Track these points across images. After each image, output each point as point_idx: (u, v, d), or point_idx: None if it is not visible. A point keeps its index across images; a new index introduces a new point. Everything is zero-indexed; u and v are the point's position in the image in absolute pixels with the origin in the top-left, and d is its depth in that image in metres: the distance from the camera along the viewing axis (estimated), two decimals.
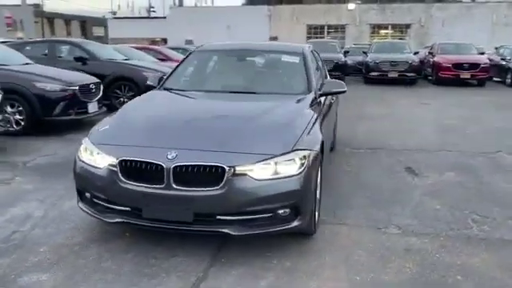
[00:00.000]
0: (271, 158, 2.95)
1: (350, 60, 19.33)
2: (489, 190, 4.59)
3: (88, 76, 7.88)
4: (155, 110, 3.66)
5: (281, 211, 2.99)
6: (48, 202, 4.07)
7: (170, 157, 2.89)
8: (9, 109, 6.85)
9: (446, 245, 3.35)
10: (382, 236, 3.49)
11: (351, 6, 31.25)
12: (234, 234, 2.91)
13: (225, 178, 2.84)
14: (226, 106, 3.85)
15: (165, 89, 4.31)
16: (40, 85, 6.89)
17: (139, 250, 3.18)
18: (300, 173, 2.99)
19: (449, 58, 15.65)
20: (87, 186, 3.21)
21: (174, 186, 2.87)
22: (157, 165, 2.88)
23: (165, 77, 4.53)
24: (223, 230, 2.91)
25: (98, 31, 56.20)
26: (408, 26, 31.40)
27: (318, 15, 31.27)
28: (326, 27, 31.99)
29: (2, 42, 10.78)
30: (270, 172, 2.94)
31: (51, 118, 6.96)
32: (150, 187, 2.91)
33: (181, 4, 38.59)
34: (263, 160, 2.93)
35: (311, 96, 4.03)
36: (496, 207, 4.09)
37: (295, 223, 3.04)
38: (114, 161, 3.00)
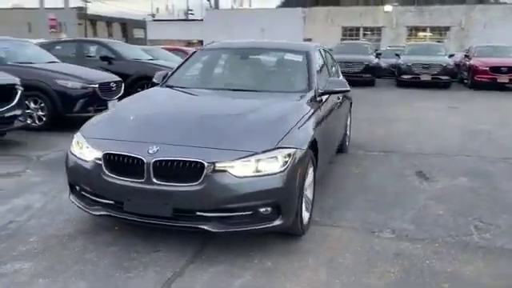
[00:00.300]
0: (252, 155, 2.90)
1: (383, 62, 19.01)
2: (501, 197, 4.36)
3: (109, 74, 8.08)
4: (147, 106, 3.70)
5: (262, 209, 2.94)
6: (50, 194, 4.18)
7: (151, 151, 2.90)
8: (32, 105, 7.12)
9: (439, 251, 3.19)
10: (374, 240, 3.37)
11: (388, 7, 30.65)
12: (213, 230, 2.88)
13: (204, 173, 2.82)
14: (219, 103, 3.84)
15: (166, 86, 4.34)
16: (61, 82, 7.11)
17: (124, 243, 3.20)
18: (282, 171, 2.93)
19: (486, 61, 15.04)
20: (76, 179, 3.27)
21: (154, 180, 2.87)
22: (138, 159, 2.90)
23: (169, 73, 4.56)
24: (202, 227, 2.88)
25: (138, 33, 57.72)
26: (447, 29, 30.49)
27: (353, 17, 30.86)
28: (361, 29, 31.53)
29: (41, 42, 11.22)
30: (251, 169, 2.89)
31: (72, 114, 7.16)
32: (131, 181, 2.92)
33: (217, 7, 39.01)
34: (244, 157, 2.88)
35: (310, 94, 3.95)
36: (504, 214, 3.88)
37: (277, 222, 2.98)
38: (99, 154, 3.04)
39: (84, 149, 3.19)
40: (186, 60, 4.77)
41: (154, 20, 45.64)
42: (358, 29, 31.53)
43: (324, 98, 4.18)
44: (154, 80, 4.65)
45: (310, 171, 3.48)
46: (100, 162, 3.03)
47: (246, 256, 3.05)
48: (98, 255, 3.03)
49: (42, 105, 7.13)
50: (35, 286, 2.65)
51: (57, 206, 3.87)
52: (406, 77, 15.51)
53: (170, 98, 4.02)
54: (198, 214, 2.90)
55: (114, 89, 7.78)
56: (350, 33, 31.42)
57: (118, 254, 3.04)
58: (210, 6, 39.29)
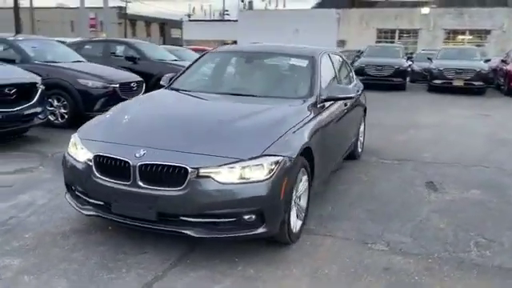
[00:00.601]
0: (237, 161, 2.89)
1: (416, 66, 18.56)
2: (511, 212, 4.16)
3: (131, 74, 8.25)
4: (144, 109, 3.75)
5: (246, 216, 2.92)
6: (54, 191, 4.29)
7: (137, 155, 2.93)
8: (55, 102, 7.36)
9: (431, 267, 3.08)
10: (365, 252, 3.28)
11: (425, 9, 29.86)
12: (196, 236, 2.89)
13: (187, 178, 2.83)
14: (214, 108, 3.84)
15: (172, 88, 4.39)
16: (83, 81, 7.31)
17: (114, 243, 3.26)
18: (268, 179, 2.91)
19: None
20: (71, 178, 3.35)
21: (140, 183, 2.91)
22: (125, 162, 2.94)
23: (175, 76, 4.60)
24: (185, 232, 2.90)
25: (175, 33, 58.70)
26: (488, 32, 29.40)
27: (389, 19, 30.25)
28: (397, 32, 30.87)
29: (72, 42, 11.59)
30: (235, 176, 2.88)
31: (92, 113, 7.32)
32: (118, 183, 2.97)
33: (250, 7, 39.16)
34: (229, 163, 2.88)
35: (311, 101, 3.90)
36: (510, 231, 3.70)
37: (261, 230, 2.96)
38: (90, 156, 3.11)
39: (78, 150, 3.26)
40: (193, 63, 4.82)
41: (190, 20, 46.23)
42: (393, 31, 30.88)
43: (327, 104, 4.11)
44: (161, 82, 4.71)
45: (304, 179, 3.44)
46: (91, 164, 3.10)
47: (231, 262, 3.05)
48: (85, 254, 3.09)
49: (65, 103, 7.35)
50: (19, 283, 2.73)
51: (58, 204, 3.97)
52: (437, 82, 15.07)
53: (168, 102, 4.06)
54: (182, 218, 2.91)
55: (134, 88, 7.93)
56: (385, 35, 30.81)
57: (106, 254, 3.10)
58: (244, 7, 39.50)
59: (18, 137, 6.46)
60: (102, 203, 3.12)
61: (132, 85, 7.90)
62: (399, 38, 30.75)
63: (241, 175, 2.89)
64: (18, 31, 19.05)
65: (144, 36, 55.69)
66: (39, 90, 6.16)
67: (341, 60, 5.42)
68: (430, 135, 7.80)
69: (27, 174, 4.89)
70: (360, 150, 5.98)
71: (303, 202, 3.52)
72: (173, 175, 2.86)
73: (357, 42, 27.04)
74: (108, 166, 3.02)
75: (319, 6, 37.12)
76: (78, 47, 10.38)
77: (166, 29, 61.19)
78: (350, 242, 3.43)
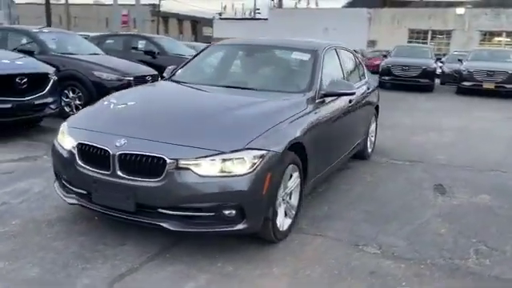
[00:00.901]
0: (218, 154, 2.79)
1: (447, 68, 18.01)
2: None
3: (146, 68, 8.28)
4: (134, 99, 3.69)
5: (226, 211, 2.82)
6: (52, 179, 4.29)
7: (118, 144, 2.88)
8: (70, 94, 7.45)
9: (422, 273, 2.90)
10: (354, 254, 3.13)
11: (460, 10, 28.95)
12: (173, 229, 2.81)
13: (165, 170, 2.75)
14: (204, 100, 3.74)
15: (172, 80, 4.33)
16: (97, 73, 7.38)
17: (97, 234, 3.21)
18: (249, 173, 2.79)
19: None
20: (58, 167, 3.33)
21: (119, 173, 2.85)
22: (105, 150, 2.89)
23: (177, 68, 4.55)
24: (162, 224, 2.82)
25: (207, 31, 59.06)
26: None
27: (421, 19, 29.50)
28: (429, 32, 30.07)
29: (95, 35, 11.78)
30: (216, 169, 2.78)
31: None
32: (98, 172, 2.92)
33: (280, 6, 38.98)
34: (209, 156, 2.78)
35: (309, 95, 3.76)
36: None
37: (240, 226, 2.85)
38: (74, 143, 3.08)
39: (65, 137, 3.24)
40: (196, 55, 4.75)
41: (221, 18, 46.42)
42: (425, 32, 30.10)
43: (328, 100, 3.96)
44: (164, 74, 4.67)
45: (295, 176, 3.31)
46: (74, 152, 3.06)
47: (211, 258, 2.95)
48: (66, 243, 3.06)
49: (80, 94, 7.43)
50: None
51: (51, 193, 3.92)
52: (466, 84, 14.53)
53: (161, 93, 4.01)
54: (160, 211, 2.84)
55: (149, 82, 7.94)
56: (418, 35, 30.07)
57: (86, 245, 3.06)
58: (274, 6, 39.34)
59: (31, 126, 6.56)
60: (84, 192, 3.08)
61: (147, 78, 7.92)
62: (432, 39, 29.94)
63: (221, 168, 2.79)
64: (48, 25, 19.53)
65: (176, 33, 56.36)
66: (51, 81, 6.23)
67: (350, 56, 5.24)
68: (450, 137, 7.49)
69: (30, 162, 4.94)
70: (370, 149, 5.77)
71: (294, 200, 3.39)
72: (151, 166, 2.79)
73: (388, 43, 26.52)
74: (90, 154, 2.98)
75: (350, 5, 36.56)
76: (99, 41, 10.53)
77: (197, 27, 61.70)
78: (340, 243, 3.28)
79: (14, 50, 7.27)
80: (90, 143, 2.97)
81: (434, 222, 3.75)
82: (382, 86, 15.87)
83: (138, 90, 4.08)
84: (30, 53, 7.28)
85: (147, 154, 2.80)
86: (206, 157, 2.78)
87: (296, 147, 3.23)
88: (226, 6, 50.13)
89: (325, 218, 3.70)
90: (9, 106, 5.54)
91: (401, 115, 9.82)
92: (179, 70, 4.47)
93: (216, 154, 2.79)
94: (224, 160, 2.79)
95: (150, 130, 3.00)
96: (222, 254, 3.00)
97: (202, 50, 4.77)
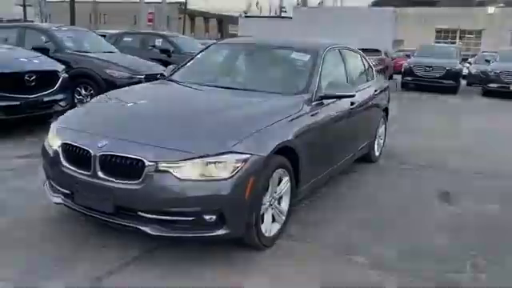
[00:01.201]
0: (199, 157, 2.72)
1: (474, 69, 17.47)
2: None
3: (159, 66, 8.27)
4: (124, 99, 3.66)
5: (206, 216, 2.74)
6: None
7: (99, 144, 2.84)
8: (83, 91, 7.54)
9: (410, 286, 2.76)
10: (341, 263, 3.01)
11: (491, 9, 28.05)
12: (152, 233, 2.75)
13: (144, 172, 2.70)
14: (193, 101, 3.68)
15: (170, 79, 4.29)
16: (109, 71, 7.43)
17: (79, 234, 3.19)
18: (230, 177, 2.71)
19: None
20: (46, 166, 3.32)
21: (100, 174, 2.81)
22: (87, 151, 2.86)
23: (177, 67, 4.51)
24: (142, 228, 2.76)
25: (233, 29, 59.18)
26: None
27: (449, 19, 28.71)
28: (458, 32, 29.27)
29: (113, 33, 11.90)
30: (196, 172, 2.71)
31: None
32: (81, 173, 2.90)
33: (304, 4, 38.61)
34: (190, 159, 2.71)
35: (305, 97, 3.65)
36: None
37: (221, 231, 2.77)
38: (59, 143, 3.07)
39: (53, 137, 3.23)
40: (197, 54, 4.70)
41: (246, 16, 46.40)
42: (454, 31, 29.32)
43: (327, 102, 3.83)
44: (164, 72, 4.63)
45: (285, 180, 3.21)
46: (59, 151, 3.05)
47: (191, 263, 2.88)
48: (48, 244, 3.04)
49: (92, 92, 7.50)
50: None
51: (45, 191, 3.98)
52: (492, 85, 14.08)
53: (153, 93, 3.96)
54: (140, 214, 2.78)
55: None
56: (445, 35, 29.32)
57: (67, 245, 3.03)
58: (298, 4, 39.02)
59: (41, 124, 6.64)
60: (68, 192, 3.06)
61: (158, 76, 7.89)
62: (460, 39, 29.13)
63: (202, 172, 2.71)
64: (72, 23, 19.90)
65: (202, 32, 56.67)
66: (61, 78, 6.29)
67: (356, 57, 5.09)
68: (467, 142, 7.20)
69: (33, 160, 4.96)
70: (378, 153, 5.60)
71: (284, 205, 3.29)
72: (131, 168, 2.74)
73: (414, 42, 25.94)
74: (73, 154, 2.96)
75: (376, 4, 35.92)
76: (116, 39, 10.63)
77: (223, 25, 61.90)
78: (328, 252, 3.16)
79: (31, 48, 7.38)
80: (73, 143, 2.95)
81: (433, 231, 3.58)
82: (404, 86, 15.59)
83: (131, 90, 4.04)
84: (45, 50, 7.39)
85: (126, 155, 2.75)
86: (186, 160, 2.71)
87: (286, 151, 3.13)
88: (251, 5, 49.94)
89: (317, 225, 3.59)
90: (16, 103, 5.61)
91: (419, 117, 9.56)
92: (180, 69, 4.42)
93: (197, 157, 2.71)
94: (205, 163, 2.71)
95: (133, 131, 2.95)
96: (202, 260, 2.93)
97: (203, 50, 4.71)
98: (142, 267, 2.82)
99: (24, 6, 36.28)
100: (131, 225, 2.80)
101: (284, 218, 3.30)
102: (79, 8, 34.35)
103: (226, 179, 2.71)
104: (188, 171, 2.70)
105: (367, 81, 5.19)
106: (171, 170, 2.70)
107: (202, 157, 2.72)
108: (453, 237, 3.50)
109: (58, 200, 3.14)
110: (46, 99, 6.03)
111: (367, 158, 5.33)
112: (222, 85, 3.94)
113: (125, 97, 3.74)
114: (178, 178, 2.69)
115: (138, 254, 2.95)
